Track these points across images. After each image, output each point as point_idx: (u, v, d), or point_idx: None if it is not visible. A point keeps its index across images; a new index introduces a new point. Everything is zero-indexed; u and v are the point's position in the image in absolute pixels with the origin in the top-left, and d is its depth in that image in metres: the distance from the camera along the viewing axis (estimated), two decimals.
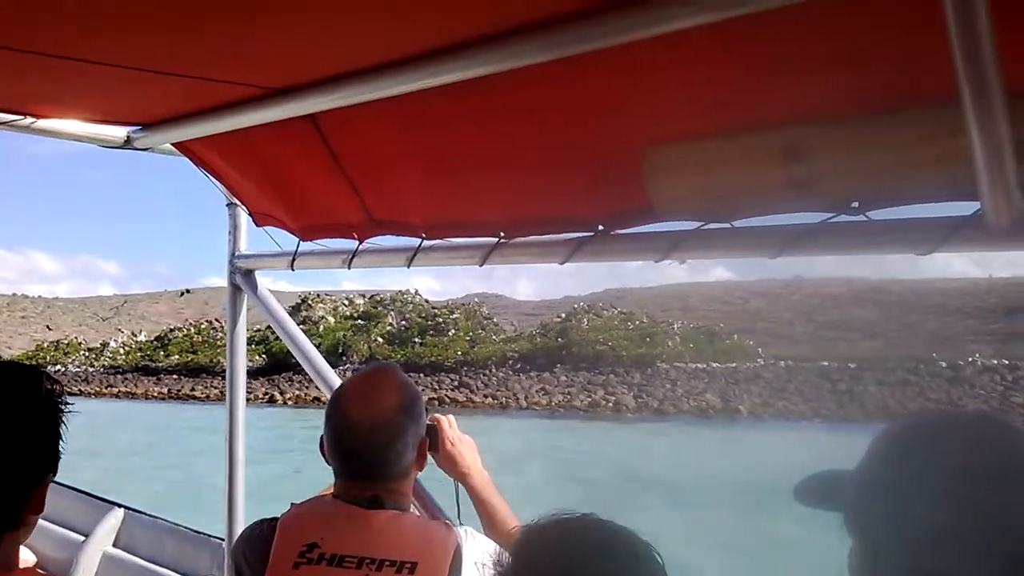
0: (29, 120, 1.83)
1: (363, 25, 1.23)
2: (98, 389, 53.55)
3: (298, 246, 2.23)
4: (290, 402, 43.58)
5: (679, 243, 1.49)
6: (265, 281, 2.56)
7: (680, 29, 1.03)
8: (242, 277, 2.52)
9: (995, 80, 0.88)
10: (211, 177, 2.20)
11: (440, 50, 1.27)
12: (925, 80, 1.06)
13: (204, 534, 3.84)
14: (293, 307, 55.37)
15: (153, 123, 1.93)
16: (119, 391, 52.83)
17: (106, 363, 61.50)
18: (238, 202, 2.42)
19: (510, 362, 48.38)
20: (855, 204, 1.24)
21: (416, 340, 50.84)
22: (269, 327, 2.55)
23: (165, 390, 51.39)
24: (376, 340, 51.35)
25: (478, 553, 1.50)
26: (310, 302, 56.27)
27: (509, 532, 1.67)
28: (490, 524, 1.74)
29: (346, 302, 56.64)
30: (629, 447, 28.55)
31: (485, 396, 43.82)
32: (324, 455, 1.58)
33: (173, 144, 2.04)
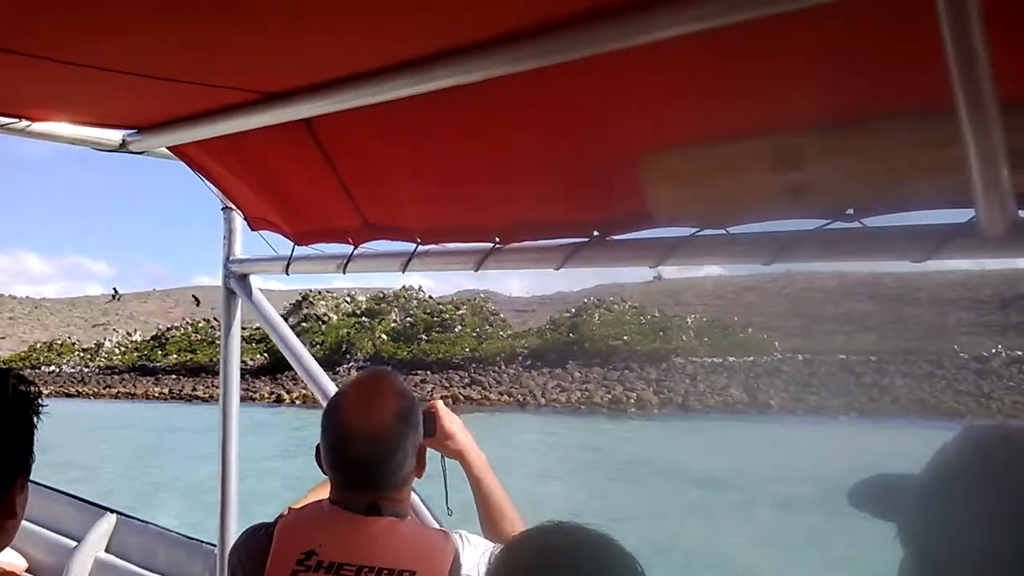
0: (25, 123, 1.82)
1: (359, 30, 1.23)
2: (96, 390, 53.21)
3: (293, 250, 2.22)
4: (297, 401, 43.03)
5: (674, 249, 1.48)
6: (257, 280, 2.56)
7: (675, 36, 1.03)
8: (236, 281, 2.51)
9: (989, 89, 0.88)
10: (206, 181, 2.20)
11: (435, 56, 1.27)
12: (920, 88, 1.06)
13: (196, 539, 3.84)
14: (294, 304, 54.88)
15: (148, 127, 1.92)
16: (118, 392, 52.53)
17: (101, 363, 60.91)
18: (233, 206, 2.42)
19: (519, 358, 47.12)
20: (850, 211, 1.24)
21: (422, 337, 49.58)
22: None
23: (165, 390, 50.83)
24: (380, 337, 50.38)
25: (475, 560, 1.49)
26: (311, 299, 55.42)
27: (503, 516, 1.69)
28: (485, 503, 1.73)
29: (348, 299, 55.62)
30: (671, 446, 26.70)
31: (500, 393, 42.69)
32: (320, 465, 1.56)
33: (168, 148, 2.04)
